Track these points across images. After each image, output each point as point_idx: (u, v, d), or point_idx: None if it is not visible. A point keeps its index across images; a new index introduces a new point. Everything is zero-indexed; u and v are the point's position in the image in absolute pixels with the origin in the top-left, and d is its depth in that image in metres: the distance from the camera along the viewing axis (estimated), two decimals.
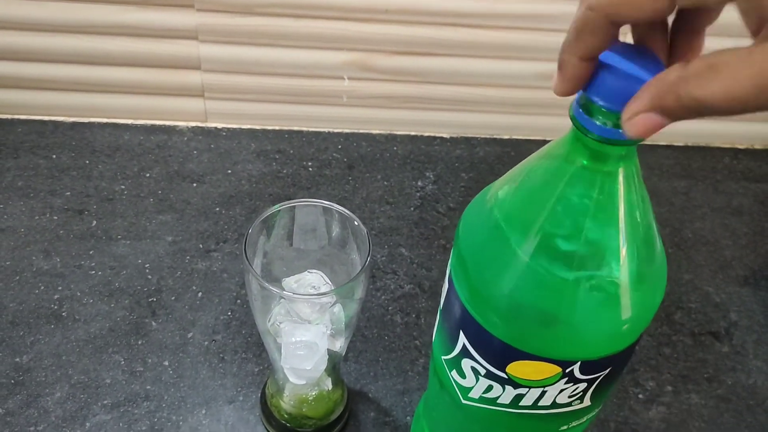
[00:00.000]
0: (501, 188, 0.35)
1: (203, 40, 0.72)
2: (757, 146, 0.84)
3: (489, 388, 0.37)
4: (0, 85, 0.75)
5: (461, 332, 0.36)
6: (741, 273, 0.69)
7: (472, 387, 0.38)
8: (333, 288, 0.46)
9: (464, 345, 0.36)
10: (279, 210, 0.45)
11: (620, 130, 0.28)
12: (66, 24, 0.71)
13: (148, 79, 0.75)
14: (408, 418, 0.55)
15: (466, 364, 0.37)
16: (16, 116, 0.77)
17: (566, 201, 0.31)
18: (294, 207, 0.45)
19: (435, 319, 0.62)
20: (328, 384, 0.51)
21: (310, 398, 0.52)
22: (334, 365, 0.51)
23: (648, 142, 0.83)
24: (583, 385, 0.35)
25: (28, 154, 0.73)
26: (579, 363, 0.34)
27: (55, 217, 0.67)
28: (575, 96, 0.30)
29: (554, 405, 0.36)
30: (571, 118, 0.30)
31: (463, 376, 0.38)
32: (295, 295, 0.45)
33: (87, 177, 0.71)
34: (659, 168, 0.80)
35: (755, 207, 0.77)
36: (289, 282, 0.48)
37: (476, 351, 0.36)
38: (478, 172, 0.77)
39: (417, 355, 0.59)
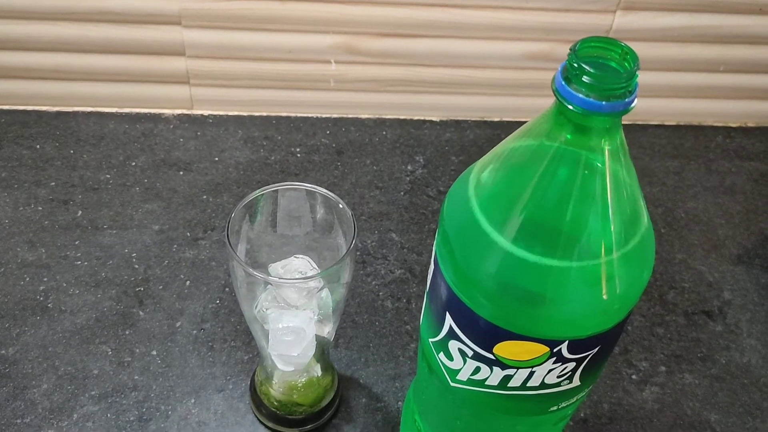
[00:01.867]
0: (483, 169, 0.34)
1: (187, 25, 0.71)
2: (751, 124, 0.84)
3: (477, 370, 0.36)
4: None
5: (447, 313, 0.36)
6: (734, 252, 0.69)
7: (460, 369, 0.37)
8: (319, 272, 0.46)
9: (451, 326, 0.36)
10: (261, 195, 0.44)
11: (603, 102, 0.27)
12: (47, 11, 0.69)
13: (132, 66, 0.74)
14: (399, 403, 0.55)
15: (453, 345, 0.36)
16: None
17: (549, 178, 0.30)
18: (277, 191, 0.44)
19: None
20: (318, 370, 0.51)
21: (300, 385, 0.51)
22: (323, 351, 0.50)
23: (639, 121, 0.82)
24: (571, 365, 0.35)
25: (11, 144, 0.72)
26: (567, 342, 0.33)
27: (40, 208, 0.66)
28: (558, 68, 0.29)
29: (543, 385, 0.36)
30: (553, 92, 0.29)
31: (450, 358, 0.37)
32: (281, 280, 0.44)
33: (72, 167, 0.71)
34: (651, 148, 0.79)
35: (748, 185, 0.76)
36: (276, 267, 0.47)
37: (463, 332, 0.35)
38: (468, 155, 0.76)
39: (408, 341, 0.59)
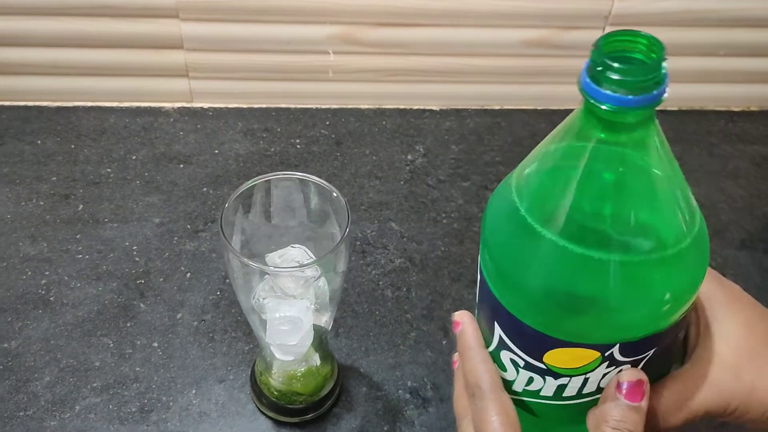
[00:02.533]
0: (521, 175, 0.33)
1: (184, 18, 0.71)
2: (753, 108, 0.83)
3: (530, 381, 0.35)
4: None
5: (496, 324, 0.35)
6: (737, 236, 0.68)
7: (514, 380, 0.36)
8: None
9: (500, 337, 0.35)
10: (254, 185, 0.44)
11: (632, 97, 0.27)
12: (45, 7, 0.70)
13: (131, 60, 0.74)
14: (400, 391, 0.55)
15: (506, 356, 0.35)
16: (0, 103, 0.76)
17: (589, 179, 0.29)
18: (269, 181, 0.44)
19: (425, 292, 0.62)
20: (317, 359, 0.51)
21: (299, 374, 0.51)
22: (321, 340, 0.50)
23: None
24: (627, 367, 0.33)
25: (12, 140, 0.73)
26: (618, 345, 0.32)
27: (42, 203, 0.67)
28: (583, 66, 0.28)
29: (599, 391, 0.34)
30: (580, 91, 0.28)
31: (504, 369, 0.36)
32: (276, 269, 0.44)
33: (73, 161, 0.71)
34: None
35: (751, 169, 0.75)
36: (273, 257, 0.47)
37: (512, 342, 0.34)
38: (468, 144, 0.76)
39: (408, 329, 0.59)
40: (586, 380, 0.33)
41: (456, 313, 0.38)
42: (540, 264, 0.31)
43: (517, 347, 0.34)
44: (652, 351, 0.33)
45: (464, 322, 0.37)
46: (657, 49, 0.28)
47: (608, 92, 0.27)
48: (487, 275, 0.34)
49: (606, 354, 0.32)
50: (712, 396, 0.33)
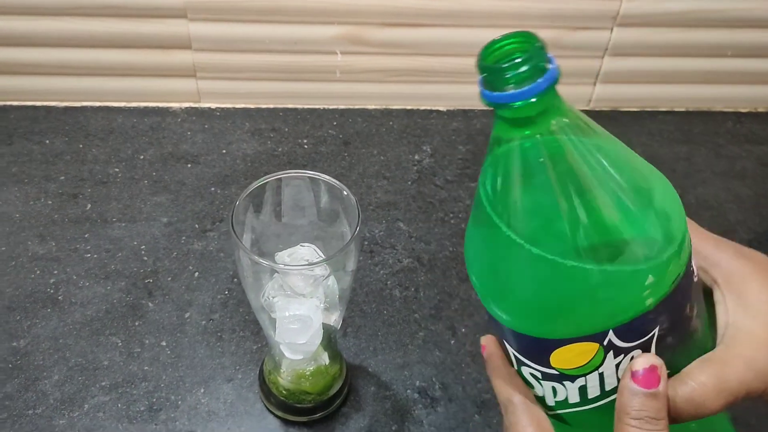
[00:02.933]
0: (486, 182, 0.33)
1: (192, 19, 0.71)
2: (761, 109, 0.83)
3: (555, 391, 0.35)
4: None
5: (505, 342, 0.35)
6: (745, 237, 0.68)
7: (543, 395, 0.36)
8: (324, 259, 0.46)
9: (514, 354, 0.35)
10: (265, 183, 0.44)
11: (520, 90, 0.28)
12: (53, 7, 0.70)
13: (139, 60, 0.74)
14: (408, 391, 0.55)
15: (526, 372, 0.35)
16: (9, 103, 0.77)
17: (528, 178, 0.30)
18: (280, 179, 0.44)
19: (433, 292, 0.62)
20: (325, 358, 0.51)
21: (308, 373, 0.51)
22: (330, 339, 0.50)
23: (648, 108, 0.82)
24: (637, 353, 0.32)
25: (21, 140, 0.73)
26: (611, 332, 0.31)
27: (50, 202, 0.67)
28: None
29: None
30: (483, 102, 0.30)
31: (531, 386, 0.36)
32: (286, 267, 0.44)
33: (81, 161, 0.71)
34: (660, 134, 0.79)
35: (759, 170, 0.75)
36: (282, 256, 0.47)
37: (522, 355, 0.35)
38: (475, 145, 0.76)
39: (416, 329, 0.59)
40: (601, 376, 0.33)
41: (482, 337, 0.38)
42: (508, 272, 0.32)
43: (528, 359, 0.34)
44: (655, 332, 0.32)
45: (488, 344, 0.37)
46: (529, 41, 0.29)
47: (500, 93, 0.29)
48: (481, 298, 0.35)
49: (605, 343, 0.32)
50: (751, 374, 0.32)
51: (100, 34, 0.72)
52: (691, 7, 0.73)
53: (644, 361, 0.32)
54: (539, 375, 0.35)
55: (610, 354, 0.32)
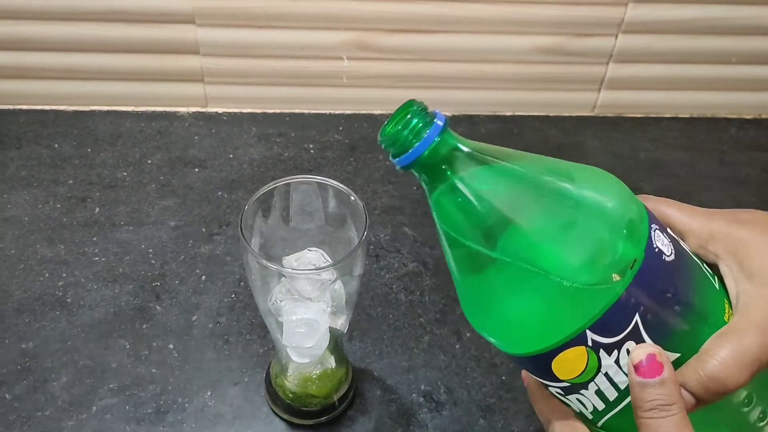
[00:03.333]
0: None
1: (201, 24, 0.72)
2: (765, 116, 0.83)
3: (582, 403, 0.35)
4: (1, 75, 0.75)
5: (524, 370, 0.38)
6: None
7: (580, 411, 0.36)
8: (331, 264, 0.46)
9: (537, 378, 0.36)
10: (274, 188, 0.45)
11: (408, 153, 0.33)
12: (62, 11, 0.71)
13: (147, 65, 0.75)
14: (413, 395, 0.55)
15: (552, 390, 0.36)
16: (18, 106, 0.77)
17: (466, 202, 0.34)
18: (289, 184, 0.45)
19: (439, 296, 0.62)
20: (332, 362, 0.51)
21: (314, 377, 0.52)
22: (337, 343, 0.51)
23: (653, 114, 0.82)
24: (631, 344, 0.32)
25: (30, 144, 0.73)
26: (587, 330, 0.32)
27: (59, 206, 0.67)
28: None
29: None
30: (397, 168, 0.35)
31: (566, 404, 0.36)
32: (294, 271, 0.45)
33: (89, 165, 0.72)
34: (664, 140, 0.79)
35: (763, 177, 0.76)
36: (290, 260, 0.48)
37: (534, 374, 0.36)
38: None
39: (422, 333, 0.59)
40: (608, 376, 0.33)
41: (523, 371, 0.39)
42: (477, 296, 0.35)
43: (540, 378, 0.35)
44: (636, 319, 0.32)
45: (527, 374, 0.38)
46: (406, 110, 0.34)
47: (399, 158, 0.34)
48: (479, 333, 0.37)
49: (589, 344, 0.32)
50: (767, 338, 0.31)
51: (108, 39, 0.73)
52: (695, 14, 0.74)
53: (641, 351, 0.32)
54: (560, 391, 0.35)
55: (602, 352, 0.32)
